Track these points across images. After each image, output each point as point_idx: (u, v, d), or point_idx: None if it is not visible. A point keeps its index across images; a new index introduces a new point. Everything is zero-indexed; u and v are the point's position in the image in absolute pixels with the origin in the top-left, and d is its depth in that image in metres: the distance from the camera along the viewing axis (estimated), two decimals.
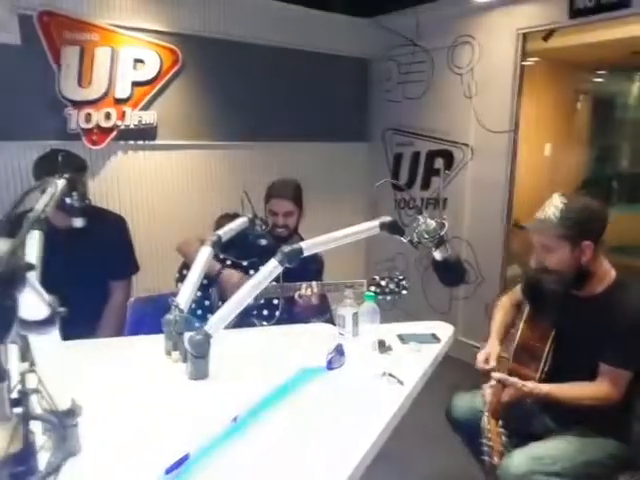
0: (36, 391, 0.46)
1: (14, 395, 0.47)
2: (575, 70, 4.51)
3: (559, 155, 4.57)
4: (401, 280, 1.97)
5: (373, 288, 1.95)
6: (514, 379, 1.53)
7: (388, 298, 1.95)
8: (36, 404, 0.47)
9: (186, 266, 2.17)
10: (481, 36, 3.25)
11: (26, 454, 0.44)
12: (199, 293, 2.07)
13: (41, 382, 0.46)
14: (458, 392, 1.87)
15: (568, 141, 4.71)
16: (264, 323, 2.06)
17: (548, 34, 3.09)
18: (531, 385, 1.53)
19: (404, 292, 1.97)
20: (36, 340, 0.58)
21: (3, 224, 0.53)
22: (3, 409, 0.45)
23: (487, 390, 1.59)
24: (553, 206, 1.53)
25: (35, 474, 0.44)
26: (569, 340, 1.61)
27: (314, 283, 2.00)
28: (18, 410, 0.46)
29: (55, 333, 0.72)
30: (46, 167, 2.00)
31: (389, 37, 3.76)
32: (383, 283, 1.97)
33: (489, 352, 1.76)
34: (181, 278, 2.22)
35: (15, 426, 0.44)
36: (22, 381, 0.47)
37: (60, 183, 0.57)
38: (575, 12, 2.77)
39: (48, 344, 0.65)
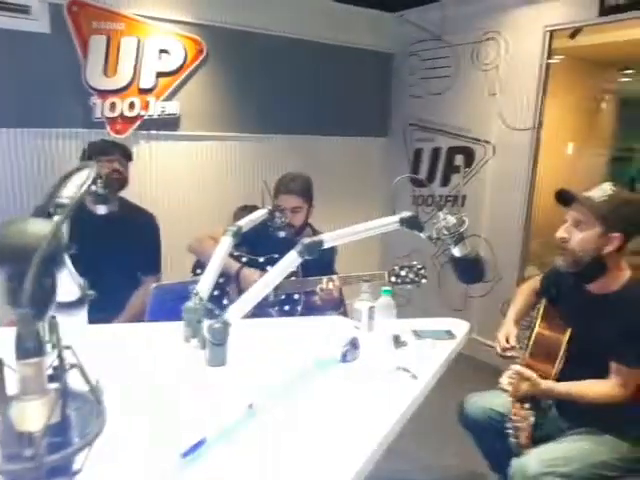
0: (74, 366, 0.49)
1: (49, 371, 0.50)
2: (601, 69, 4.43)
3: (582, 155, 4.50)
4: (420, 269, 2.00)
5: (394, 278, 1.99)
6: (531, 373, 1.53)
7: (408, 287, 1.99)
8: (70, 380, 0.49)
9: (200, 265, 2.17)
10: (507, 32, 3.21)
11: (63, 427, 0.47)
12: (217, 292, 2.07)
13: (78, 359, 0.49)
14: (471, 392, 1.88)
15: (592, 141, 4.63)
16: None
17: (575, 32, 3.05)
18: (549, 384, 1.53)
19: (424, 281, 2.00)
20: (63, 321, 0.60)
21: (43, 207, 0.55)
22: (41, 383, 0.48)
23: (505, 380, 1.59)
24: (601, 189, 1.53)
25: (71, 445, 0.46)
26: (584, 338, 1.60)
27: (335, 277, 2.02)
28: (54, 385, 0.48)
29: (83, 315, 0.74)
30: (94, 153, 2.11)
31: (414, 32, 3.74)
32: (403, 273, 2.00)
33: (508, 332, 1.78)
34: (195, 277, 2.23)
35: (54, 400, 0.47)
36: (59, 357, 0.49)
37: (93, 170, 0.60)
38: (606, 9, 2.72)
39: (74, 326, 0.68)
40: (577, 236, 1.55)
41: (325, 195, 2.46)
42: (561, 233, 1.59)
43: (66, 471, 0.46)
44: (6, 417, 0.45)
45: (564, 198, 1.59)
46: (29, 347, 0.45)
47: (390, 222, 1.48)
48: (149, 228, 2.43)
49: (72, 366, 0.48)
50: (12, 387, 0.47)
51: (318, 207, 2.34)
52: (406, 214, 1.47)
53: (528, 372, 1.54)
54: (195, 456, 1.06)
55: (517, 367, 1.57)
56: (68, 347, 0.49)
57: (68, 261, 0.58)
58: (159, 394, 1.26)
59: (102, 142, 2.43)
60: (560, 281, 1.72)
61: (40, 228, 0.49)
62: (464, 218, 1.46)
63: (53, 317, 0.58)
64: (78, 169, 0.58)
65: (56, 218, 0.49)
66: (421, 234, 1.49)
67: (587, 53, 3.75)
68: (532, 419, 1.50)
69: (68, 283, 0.63)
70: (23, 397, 0.46)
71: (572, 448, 1.52)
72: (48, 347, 0.52)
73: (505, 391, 1.59)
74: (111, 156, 2.27)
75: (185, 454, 1.04)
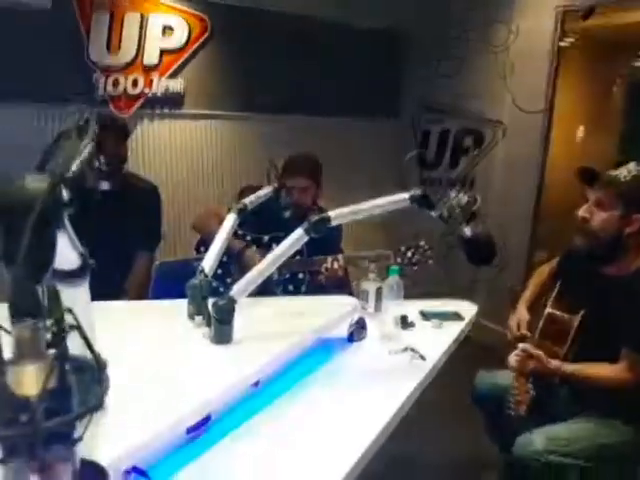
0: (74, 328, 0.46)
1: (48, 336, 0.47)
2: (614, 51, 4.34)
3: (594, 138, 4.43)
4: (426, 250, 1.98)
5: (399, 259, 1.96)
6: (539, 352, 1.54)
7: (415, 268, 1.97)
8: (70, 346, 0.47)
9: (203, 243, 2.13)
10: (518, 14, 3.15)
11: (62, 392, 0.44)
12: (220, 271, 2.01)
13: (79, 321, 0.46)
14: (483, 369, 1.90)
15: (603, 124, 4.56)
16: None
17: (588, 13, 2.96)
18: (557, 363, 1.53)
19: (430, 262, 1.98)
20: (64, 293, 0.57)
21: (41, 165, 0.52)
22: (39, 347, 0.45)
23: (513, 358, 1.61)
24: (627, 169, 1.50)
25: (70, 412, 0.44)
26: (596, 321, 1.57)
27: (340, 256, 1.99)
28: (53, 350, 0.46)
29: (85, 287, 0.70)
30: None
31: (425, 13, 3.66)
32: (409, 254, 1.97)
33: (519, 318, 1.78)
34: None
35: (51, 364, 0.44)
36: (59, 320, 0.47)
37: (89, 145, 0.56)
38: None
39: (76, 297, 0.64)
40: (598, 216, 1.52)
41: (334, 176, 2.43)
42: (582, 212, 1.56)
43: (66, 439, 0.44)
44: (1, 382, 0.43)
45: (587, 177, 1.56)
46: (25, 308, 0.43)
47: (400, 200, 1.43)
48: (150, 201, 2.36)
49: (72, 327, 0.45)
50: (9, 351, 0.45)
51: (327, 188, 2.30)
52: (417, 191, 1.43)
53: (536, 350, 1.55)
54: (200, 433, 1.05)
55: (525, 345, 1.58)
56: (69, 310, 0.46)
57: (68, 225, 0.55)
58: (163, 372, 1.24)
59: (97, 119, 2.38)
60: (575, 262, 1.69)
61: (39, 182, 0.46)
62: (477, 196, 1.43)
63: (52, 285, 0.55)
64: (76, 131, 0.55)
65: (56, 173, 0.47)
66: (432, 212, 1.45)
67: (600, 35, 3.67)
68: (532, 392, 1.54)
69: (68, 250, 0.60)
70: (19, 361, 0.43)
71: (577, 429, 1.54)
72: (48, 322, 0.49)
73: (512, 368, 1.61)
74: (105, 133, 2.20)
75: (189, 430, 1.03)
